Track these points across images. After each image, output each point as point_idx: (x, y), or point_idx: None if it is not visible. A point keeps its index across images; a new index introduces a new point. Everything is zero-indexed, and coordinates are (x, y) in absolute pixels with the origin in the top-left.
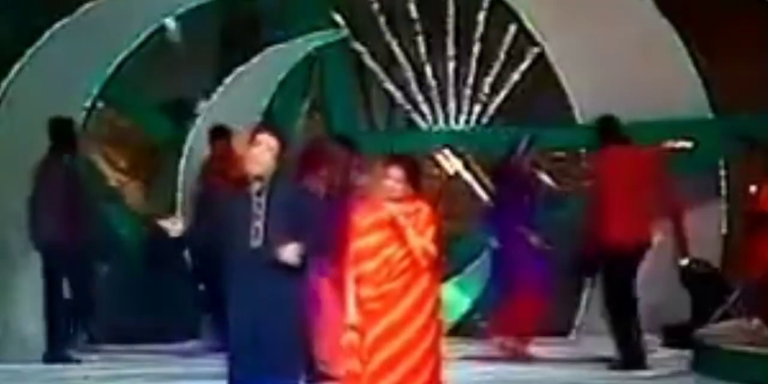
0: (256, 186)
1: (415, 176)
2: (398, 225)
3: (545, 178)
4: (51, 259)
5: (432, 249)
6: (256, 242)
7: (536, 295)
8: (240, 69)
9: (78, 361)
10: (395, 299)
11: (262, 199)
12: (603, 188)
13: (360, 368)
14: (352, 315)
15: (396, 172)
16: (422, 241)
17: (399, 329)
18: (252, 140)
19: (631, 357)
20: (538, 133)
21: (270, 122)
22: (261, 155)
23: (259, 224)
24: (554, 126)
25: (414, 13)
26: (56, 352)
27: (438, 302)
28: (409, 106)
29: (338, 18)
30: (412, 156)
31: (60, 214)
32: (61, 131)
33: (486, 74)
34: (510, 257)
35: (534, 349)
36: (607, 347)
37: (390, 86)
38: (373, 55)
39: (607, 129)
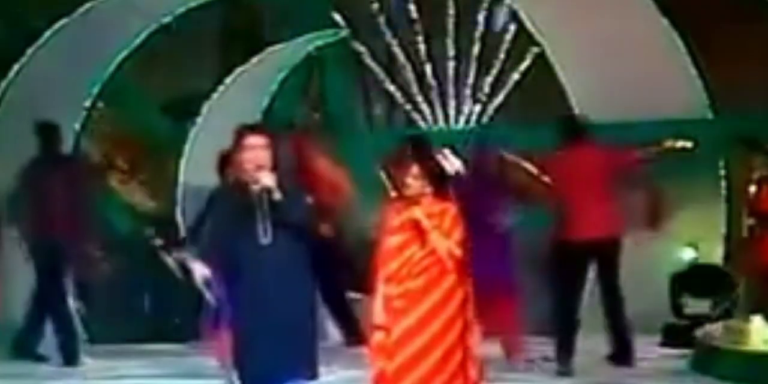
0: (262, 184)
1: (434, 175)
2: (423, 228)
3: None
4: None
5: (457, 251)
6: (265, 240)
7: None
8: (240, 69)
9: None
10: (417, 297)
11: (266, 198)
12: (564, 187)
13: (387, 366)
14: (378, 314)
15: (413, 169)
16: (448, 243)
17: (422, 327)
18: (241, 144)
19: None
20: None
21: (256, 124)
22: (260, 157)
23: (267, 222)
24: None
25: (414, 13)
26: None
27: (467, 301)
28: (409, 106)
29: (338, 18)
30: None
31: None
32: None
33: (486, 74)
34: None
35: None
36: (607, 347)
37: (390, 86)
38: (373, 55)
39: (570, 129)
